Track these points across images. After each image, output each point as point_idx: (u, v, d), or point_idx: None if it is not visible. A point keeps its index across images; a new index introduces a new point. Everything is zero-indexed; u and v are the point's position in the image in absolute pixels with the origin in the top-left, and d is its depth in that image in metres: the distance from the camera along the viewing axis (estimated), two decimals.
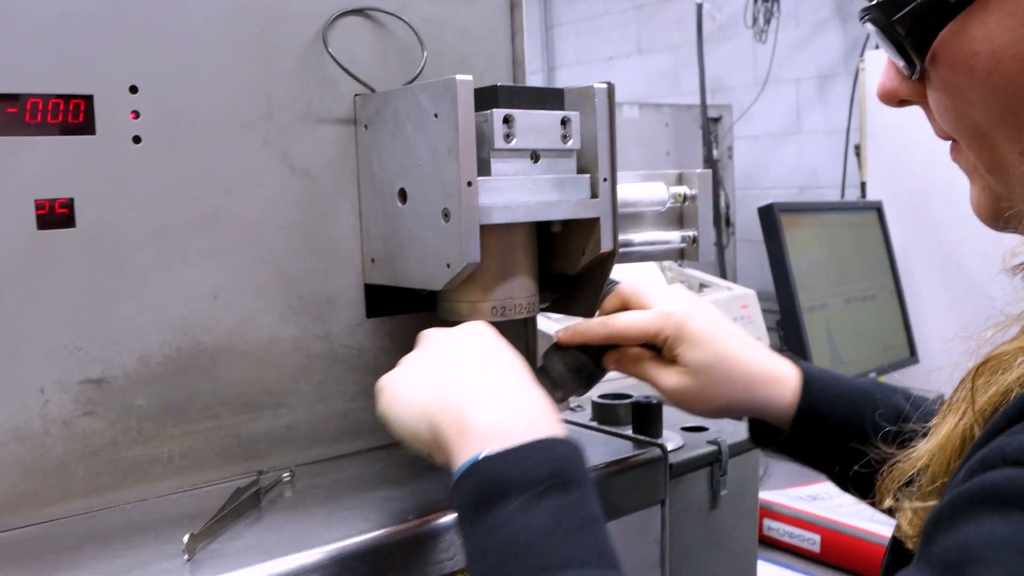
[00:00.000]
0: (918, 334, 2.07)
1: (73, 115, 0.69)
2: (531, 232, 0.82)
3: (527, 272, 0.82)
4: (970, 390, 0.56)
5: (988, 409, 0.54)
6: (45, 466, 0.70)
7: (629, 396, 0.97)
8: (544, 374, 0.83)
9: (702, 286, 1.74)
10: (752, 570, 0.95)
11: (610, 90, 0.81)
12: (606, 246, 0.82)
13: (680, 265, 1.82)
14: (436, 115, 0.73)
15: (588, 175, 0.81)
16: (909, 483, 0.59)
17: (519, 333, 0.95)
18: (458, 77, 0.71)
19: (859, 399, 0.80)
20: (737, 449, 0.91)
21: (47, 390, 0.69)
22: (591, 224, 0.82)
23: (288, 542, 0.65)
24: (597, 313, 0.86)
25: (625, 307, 0.84)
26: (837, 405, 0.80)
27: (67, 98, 0.69)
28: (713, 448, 0.89)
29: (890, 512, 0.61)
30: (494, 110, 0.75)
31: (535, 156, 0.78)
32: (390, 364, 0.85)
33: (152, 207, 0.73)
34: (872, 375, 1.95)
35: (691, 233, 0.94)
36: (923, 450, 0.58)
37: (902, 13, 0.54)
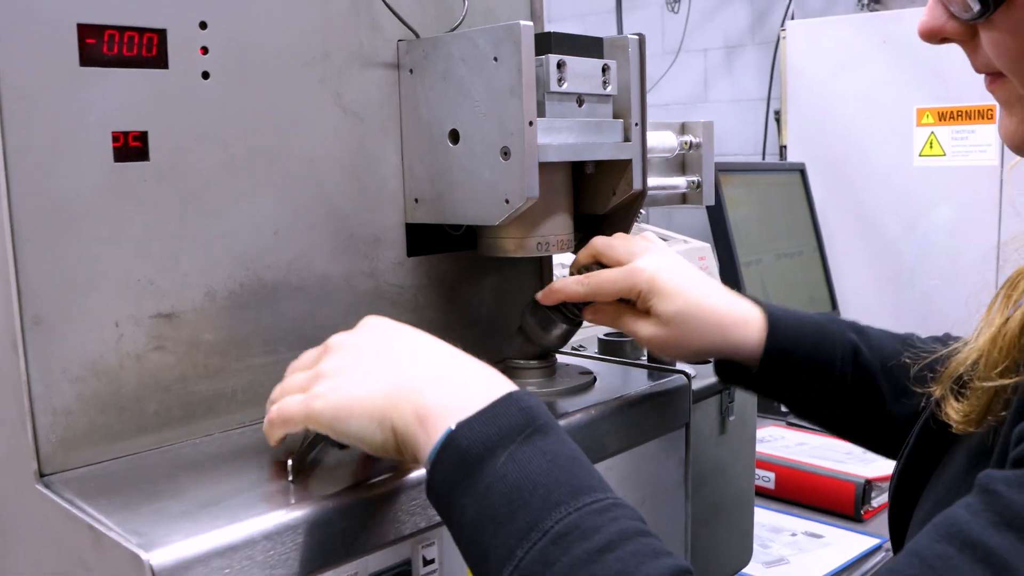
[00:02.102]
0: (838, 287, 2.21)
1: (147, 48, 0.69)
2: (569, 172, 0.86)
3: (566, 210, 0.86)
4: (1007, 295, 0.64)
5: None
6: (120, 401, 0.70)
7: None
8: (523, 332, 0.87)
9: (663, 239, 1.82)
10: (751, 491, 1.02)
11: (641, 40, 0.86)
12: (637, 186, 0.87)
13: (639, 221, 1.89)
14: (496, 59, 0.76)
15: (621, 120, 0.86)
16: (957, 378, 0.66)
17: (534, 271, 1.00)
18: (521, 23, 0.74)
19: (819, 336, 0.87)
20: None
21: (121, 324, 0.70)
22: (623, 166, 0.87)
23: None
24: (570, 271, 0.88)
25: (598, 261, 0.86)
26: (800, 343, 0.85)
27: (141, 31, 0.68)
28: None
29: (938, 404, 0.68)
30: (549, 55, 0.78)
31: (580, 100, 0.82)
32: (427, 301, 0.89)
33: (219, 142, 0.73)
34: None
35: (695, 178, 1.00)
36: (973, 348, 0.65)
37: None
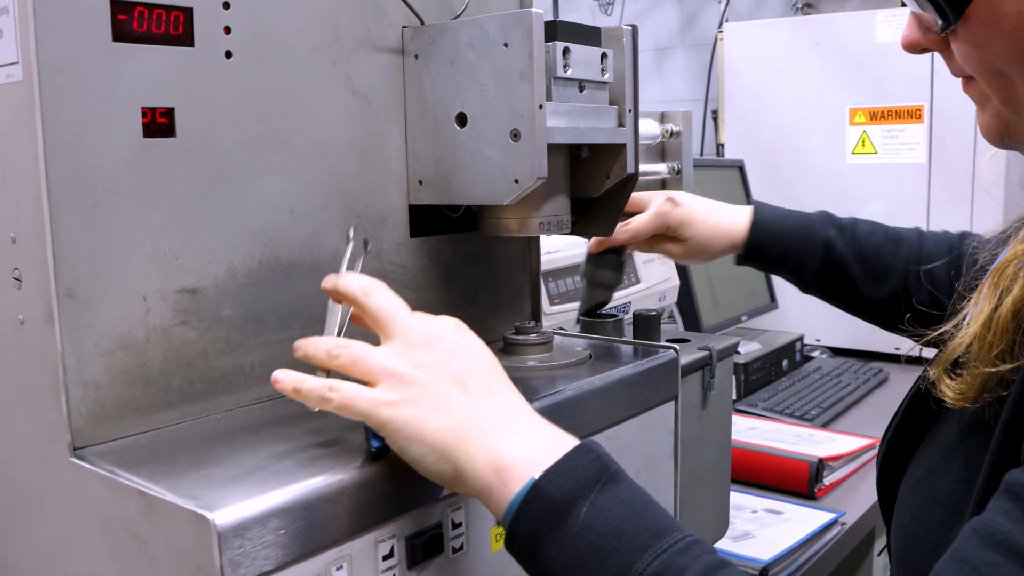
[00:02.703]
0: (776, 282, 2.30)
1: (174, 26, 0.70)
2: (568, 156, 0.90)
3: (565, 192, 0.90)
4: (995, 283, 0.67)
5: None
6: (147, 375, 0.71)
7: (613, 315, 1.07)
8: (588, 280, 1.00)
9: None
10: (728, 464, 1.07)
11: (634, 32, 0.91)
12: (630, 169, 0.91)
13: None
14: (506, 44, 0.79)
15: (616, 107, 0.90)
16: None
17: (523, 253, 1.03)
18: (532, 11, 0.78)
19: (798, 232, 1.20)
20: (720, 356, 1.04)
21: (149, 298, 0.70)
22: (616, 150, 0.91)
23: None
24: None
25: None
26: (777, 240, 1.20)
27: (169, 9, 0.69)
28: (705, 354, 1.01)
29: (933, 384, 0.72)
30: (556, 42, 0.82)
31: (581, 86, 0.86)
32: (428, 282, 0.92)
33: (240, 121, 0.75)
34: (744, 318, 2.16)
35: (675, 165, 1.05)
36: (968, 334, 0.67)
37: None
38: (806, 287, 1.24)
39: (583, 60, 0.85)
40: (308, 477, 0.61)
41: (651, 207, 1.16)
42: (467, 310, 0.96)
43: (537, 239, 1.05)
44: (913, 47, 0.73)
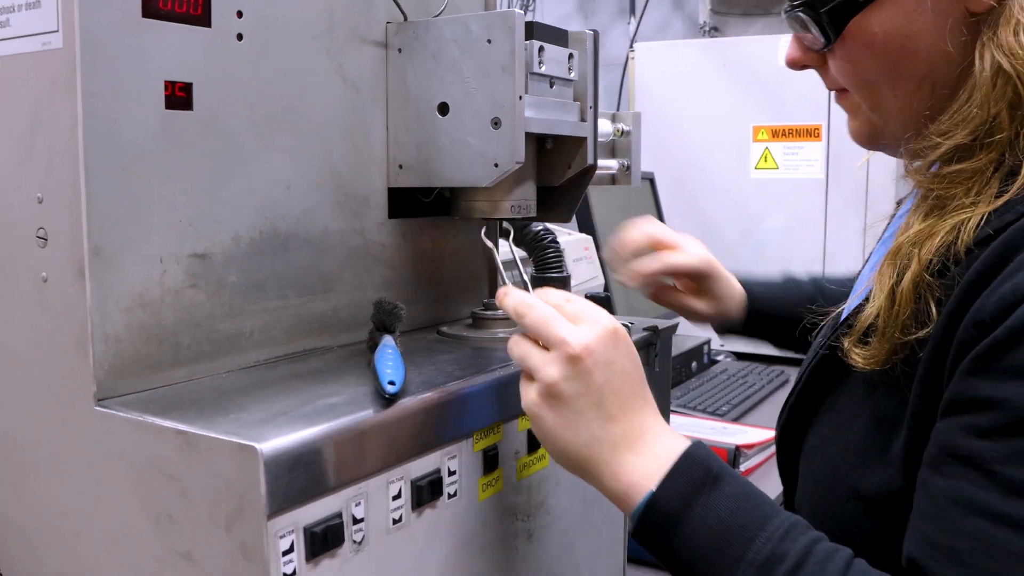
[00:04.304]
0: None
1: (195, 7, 0.75)
2: (535, 146, 0.98)
3: (532, 179, 0.98)
4: (892, 262, 0.75)
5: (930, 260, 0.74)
6: (160, 332, 0.75)
7: None
8: None
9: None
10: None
11: (595, 36, 1.00)
12: (590, 161, 1.00)
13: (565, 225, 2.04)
14: (489, 40, 0.87)
15: (579, 103, 0.99)
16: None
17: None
18: (515, 11, 0.86)
19: (786, 297, 1.20)
20: (663, 335, 1.13)
21: (165, 260, 0.75)
22: (578, 143, 1.00)
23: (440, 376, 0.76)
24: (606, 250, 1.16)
25: (656, 245, 1.14)
26: (772, 305, 1.20)
27: None
28: (650, 332, 1.11)
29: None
30: (533, 40, 0.90)
31: (551, 83, 0.95)
32: (403, 260, 0.98)
33: (248, 100, 0.80)
34: (657, 323, 2.28)
35: (625, 162, 1.15)
36: (875, 307, 0.75)
37: (828, 7, 0.77)
38: (792, 343, 1.18)
39: (554, 59, 0.93)
40: (332, 419, 0.67)
41: (690, 246, 1.15)
42: (436, 288, 1.03)
43: (495, 229, 1.13)
44: (795, 64, 0.85)
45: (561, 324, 0.74)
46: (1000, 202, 0.70)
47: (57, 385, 0.72)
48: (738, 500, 0.70)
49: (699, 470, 0.71)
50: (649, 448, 0.73)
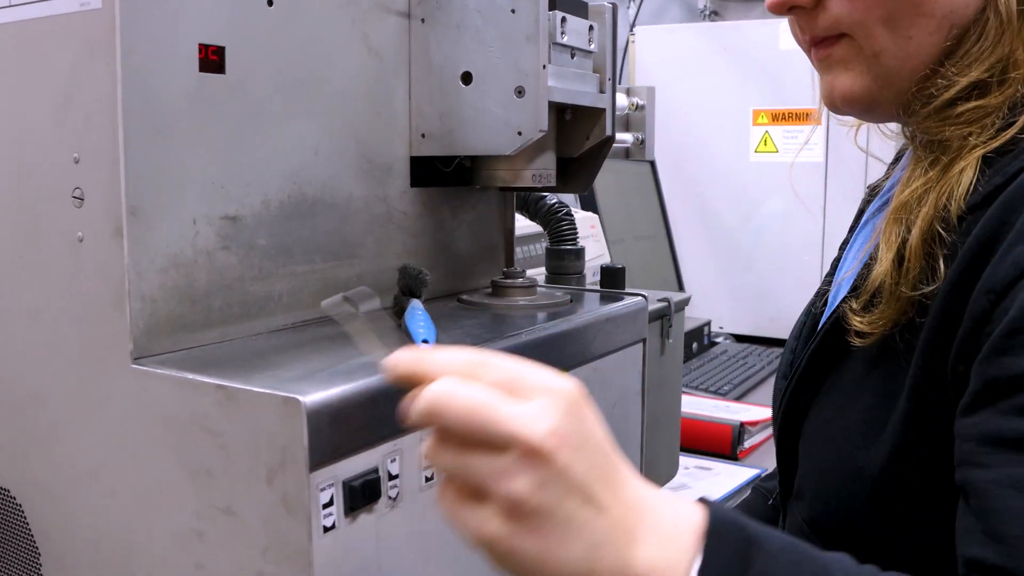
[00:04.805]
0: (684, 270, 2.45)
1: None
2: (556, 116, 0.99)
3: (552, 149, 0.99)
4: (896, 219, 0.73)
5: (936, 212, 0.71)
6: (193, 293, 0.76)
7: (578, 272, 1.17)
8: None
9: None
10: (679, 408, 1.18)
11: (614, 9, 1.01)
12: (608, 132, 1.02)
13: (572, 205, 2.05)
14: (513, 10, 0.88)
15: (598, 75, 1.00)
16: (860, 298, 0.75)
17: (499, 208, 1.11)
18: None
19: None
20: (676, 308, 1.15)
21: (198, 222, 0.75)
22: (597, 114, 1.01)
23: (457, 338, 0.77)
24: None
25: None
26: None
27: None
28: (664, 304, 1.12)
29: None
30: (556, 11, 0.91)
31: (573, 53, 0.96)
32: (422, 229, 0.99)
33: (277, 65, 0.80)
34: (670, 296, 2.30)
35: (639, 135, 1.16)
36: (882, 269, 0.73)
37: None
38: None
39: (575, 30, 0.94)
40: (369, 376, 0.68)
41: None
42: (451, 258, 1.04)
43: (512, 201, 1.14)
44: (781, 6, 0.77)
45: (504, 410, 0.51)
46: (1001, 140, 0.69)
47: (92, 345, 0.73)
48: (792, 556, 0.56)
49: (734, 544, 0.55)
50: (656, 530, 0.55)
